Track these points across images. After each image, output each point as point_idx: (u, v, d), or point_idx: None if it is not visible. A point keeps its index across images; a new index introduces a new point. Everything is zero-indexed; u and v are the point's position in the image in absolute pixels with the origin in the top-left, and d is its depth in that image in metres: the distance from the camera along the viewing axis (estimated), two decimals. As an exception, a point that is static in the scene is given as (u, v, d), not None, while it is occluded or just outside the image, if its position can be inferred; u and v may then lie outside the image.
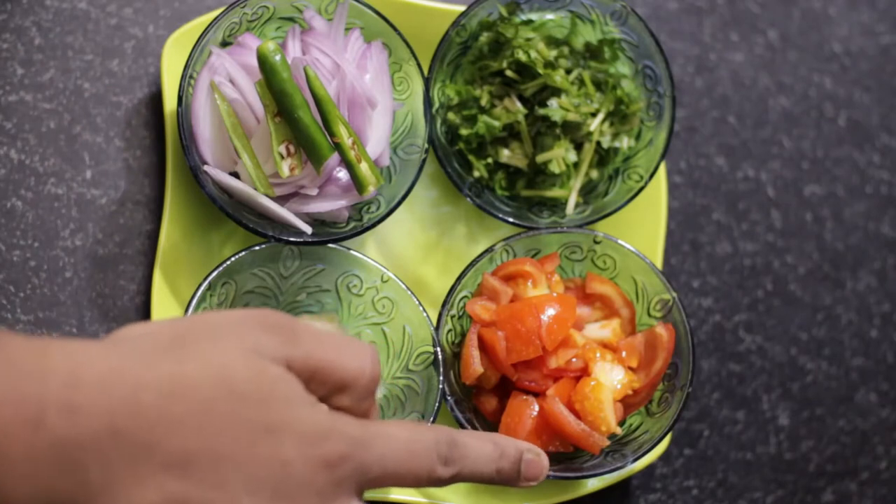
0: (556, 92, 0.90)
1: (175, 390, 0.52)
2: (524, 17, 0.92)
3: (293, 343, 0.57)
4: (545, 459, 0.67)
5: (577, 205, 0.92)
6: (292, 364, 0.57)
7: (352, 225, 0.87)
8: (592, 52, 0.92)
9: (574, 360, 0.86)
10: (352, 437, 0.56)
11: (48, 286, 0.85)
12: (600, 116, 0.91)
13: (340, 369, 0.59)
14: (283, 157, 0.83)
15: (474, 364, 0.85)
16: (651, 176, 0.90)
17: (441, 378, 0.84)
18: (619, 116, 0.92)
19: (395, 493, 0.86)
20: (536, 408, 0.85)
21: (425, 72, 0.89)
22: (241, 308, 0.84)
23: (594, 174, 0.93)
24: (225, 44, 0.86)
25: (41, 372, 0.51)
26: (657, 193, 0.95)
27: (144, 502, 0.51)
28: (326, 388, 0.59)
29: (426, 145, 0.87)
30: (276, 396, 0.55)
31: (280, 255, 0.86)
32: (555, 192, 0.91)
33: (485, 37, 0.91)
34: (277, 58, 0.82)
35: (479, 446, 0.63)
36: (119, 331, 0.56)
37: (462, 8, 0.90)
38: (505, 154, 0.91)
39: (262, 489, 0.53)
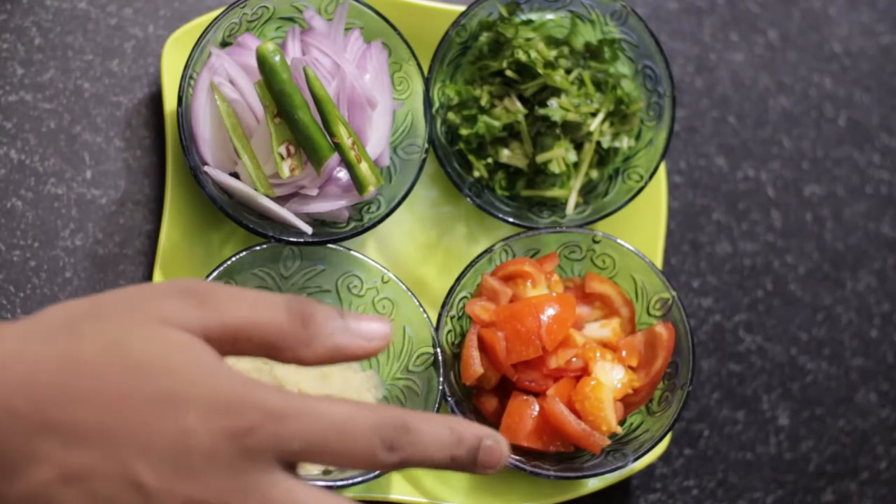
0: (556, 92, 0.90)
1: (70, 367, 0.52)
2: (524, 17, 0.92)
3: (206, 307, 0.55)
4: (505, 446, 0.61)
5: (577, 205, 0.92)
6: (208, 330, 0.55)
7: (352, 225, 0.87)
8: (592, 52, 0.92)
9: (574, 359, 0.86)
10: (266, 407, 0.53)
11: (48, 286, 0.85)
12: (600, 116, 0.91)
13: (261, 326, 0.55)
14: (283, 158, 0.83)
15: (474, 365, 0.85)
16: (651, 176, 0.90)
17: (441, 379, 0.84)
18: (619, 116, 0.92)
19: (395, 494, 0.86)
20: (537, 408, 0.85)
21: (425, 72, 0.89)
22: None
23: (594, 174, 0.93)
24: (225, 44, 0.86)
25: None
26: (657, 193, 0.95)
27: (42, 480, 0.51)
28: (257, 348, 0.56)
29: (426, 145, 0.87)
30: (178, 365, 0.53)
31: (280, 255, 0.85)
32: (555, 192, 0.91)
33: (485, 37, 0.91)
34: (277, 58, 0.82)
35: (434, 432, 0.58)
36: (41, 311, 0.55)
37: (462, 8, 0.90)
38: (505, 154, 0.91)
39: (162, 460, 0.52)
